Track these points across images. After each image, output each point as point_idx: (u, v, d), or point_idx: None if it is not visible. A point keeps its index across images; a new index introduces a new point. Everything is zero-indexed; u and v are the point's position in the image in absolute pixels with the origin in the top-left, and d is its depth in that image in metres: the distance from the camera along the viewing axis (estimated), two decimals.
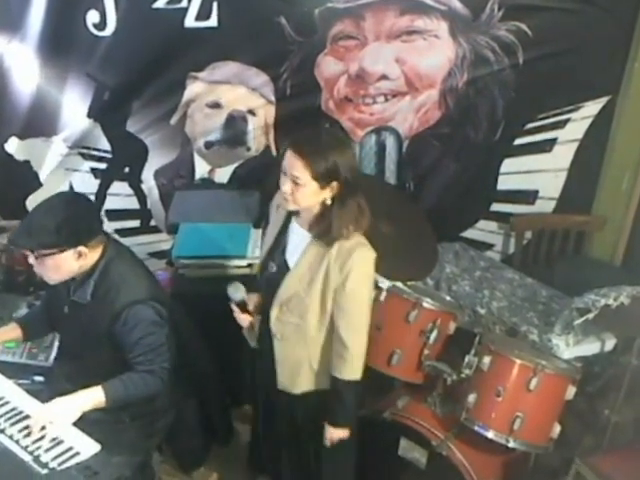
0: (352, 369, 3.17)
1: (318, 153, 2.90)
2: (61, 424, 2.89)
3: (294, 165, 2.91)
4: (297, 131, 4.83)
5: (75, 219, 3.05)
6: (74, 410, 2.94)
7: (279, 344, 3.27)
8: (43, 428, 2.86)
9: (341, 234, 3.01)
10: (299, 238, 3.17)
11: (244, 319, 3.35)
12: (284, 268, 3.19)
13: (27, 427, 2.90)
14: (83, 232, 3.08)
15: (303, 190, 2.95)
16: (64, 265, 3.07)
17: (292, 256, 3.18)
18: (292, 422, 3.44)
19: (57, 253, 3.02)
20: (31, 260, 3.07)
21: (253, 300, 3.38)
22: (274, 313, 3.22)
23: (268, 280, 3.28)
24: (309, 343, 3.23)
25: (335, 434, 3.28)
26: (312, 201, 3.01)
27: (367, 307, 3.17)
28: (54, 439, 2.84)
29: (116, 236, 4.94)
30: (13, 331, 3.51)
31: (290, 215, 3.23)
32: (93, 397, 3.01)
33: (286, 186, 2.96)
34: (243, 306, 3.33)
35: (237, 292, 3.30)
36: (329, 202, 3.02)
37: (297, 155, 2.90)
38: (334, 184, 2.97)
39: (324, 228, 3.03)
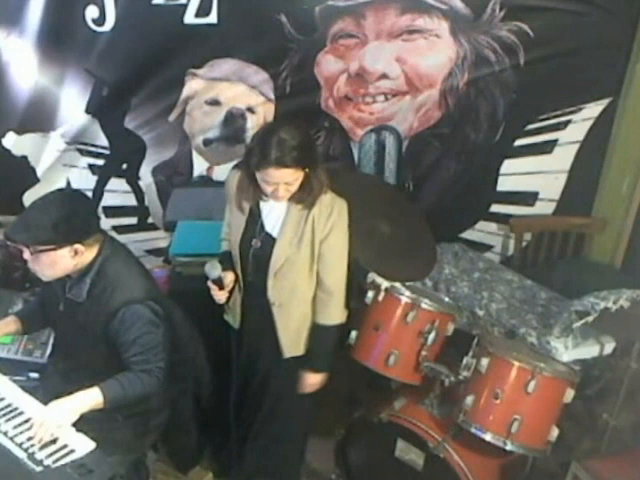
0: (337, 314, 3.45)
1: (297, 152, 3.06)
2: (60, 427, 2.86)
3: (284, 175, 3.10)
4: None
5: (72, 216, 3.02)
6: (73, 413, 2.91)
7: (279, 311, 3.43)
8: (50, 436, 2.84)
9: (319, 194, 3.25)
10: (275, 210, 3.34)
11: (221, 295, 3.45)
12: (269, 240, 3.35)
13: (25, 424, 2.91)
14: (80, 229, 3.06)
15: (296, 183, 3.18)
16: (59, 262, 3.06)
17: (274, 227, 3.35)
18: (276, 393, 3.63)
19: (53, 250, 3.00)
20: (26, 256, 3.05)
21: (228, 278, 3.46)
22: (270, 283, 3.38)
23: (255, 256, 3.40)
24: (305, 301, 3.44)
25: (314, 379, 3.51)
26: (301, 180, 3.20)
27: (346, 252, 3.38)
28: (49, 436, 2.82)
29: (113, 233, 4.99)
30: (13, 324, 3.48)
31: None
32: (91, 398, 2.98)
33: (281, 192, 3.17)
34: (220, 283, 3.42)
35: (214, 270, 3.40)
36: (307, 170, 3.19)
37: (282, 167, 3.07)
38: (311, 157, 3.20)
39: (307, 192, 3.23)
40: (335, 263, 3.36)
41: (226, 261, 3.52)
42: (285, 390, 3.58)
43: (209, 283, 3.44)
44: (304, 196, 3.23)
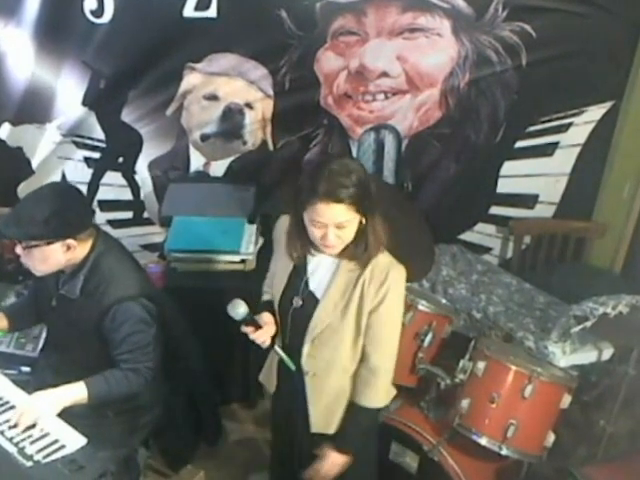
0: (379, 396, 3.02)
1: (351, 188, 2.66)
2: (42, 418, 2.86)
3: (335, 213, 2.68)
4: (295, 126, 4.87)
5: (64, 211, 3.01)
6: (55, 405, 2.91)
7: (312, 382, 3.05)
8: (29, 425, 2.84)
9: (375, 253, 2.84)
10: (323, 266, 2.96)
11: (261, 335, 2.92)
12: (312, 300, 2.96)
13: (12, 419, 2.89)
14: (72, 225, 3.05)
15: (351, 228, 2.76)
16: (51, 257, 3.05)
17: (319, 286, 2.96)
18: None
19: (45, 245, 2.99)
20: (18, 250, 3.05)
21: (264, 318, 3.02)
22: (306, 349, 2.99)
23: (294, 316, 3.00)
24: (344, 375, 3.03)
25: (337, 460, 3.03)
26: (355, 230, 2.80)
27: (399, 329, 2.98)
28: (40, 431, 2.82)
29: (108, 227, 5.06)
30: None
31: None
32: (75, 393, 2.99)
33: (331, 236, 2.73)
34: (252, 322, 2.91)
35: (238, 308, 2.88)
36: (364, 221, 2.79)
37: (334, 202, 2.66)
38: (367, 203, 2.75)
39: (362, 248, 2.82)
40: (384, 339, 2.94)
41: (263, 308, 3.12)
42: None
43: (243, 328, 2.92)
44: (358, 252, 2.82)
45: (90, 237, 3.15)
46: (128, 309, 3.08)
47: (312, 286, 2.96)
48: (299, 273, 2.99)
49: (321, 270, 2.96)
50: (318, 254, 2.92)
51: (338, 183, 2.64)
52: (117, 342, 3.09)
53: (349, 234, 2.76)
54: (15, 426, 2.81)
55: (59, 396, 2.94)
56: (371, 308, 2.88)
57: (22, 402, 2.95)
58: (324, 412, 3.08)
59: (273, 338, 2.99)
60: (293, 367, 2.99)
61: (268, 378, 3.25)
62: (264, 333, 2.93)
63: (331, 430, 3.08)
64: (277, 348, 2.98)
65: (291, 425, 3.22)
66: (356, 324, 2.92)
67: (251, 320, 2.90)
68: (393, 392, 3.13)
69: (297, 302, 2.97)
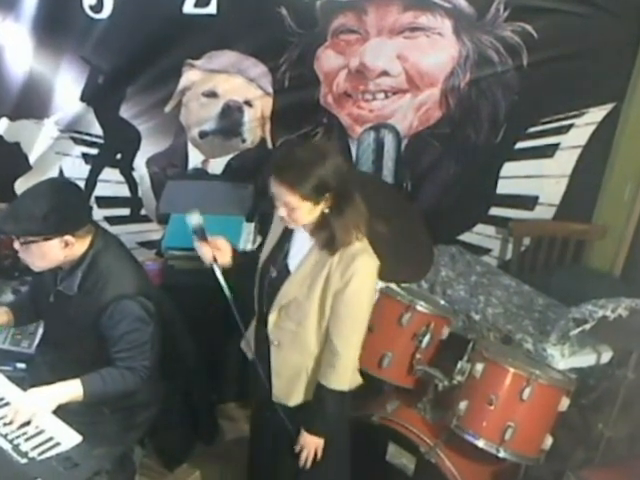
0: (339, 379, 3.08)
1: (300, 175, 2.79)
2: (37, 415, 2.85)
3: (281, 193, 2.83)
4: (294, 124, 4.85)
5: (63, 207, 3.01)
6: (50, 401, 2.91)
7: (276, 351, 3.17)
8: (25, 422, 2.83)
9: (345, 242, 2.91)
10: (302, 242, 3.07)
11: (206, 251, 3.11)
12: (285, 272, 3.09)
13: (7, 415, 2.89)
14: (70, 221, 3.05)
15: (298, 212, 2.86)
16: (49, 253, 3.04)
17: (294, 260, 3.09)
18: (282, 437, 3.32)
19: (43, 241, 2.99)
20: (16, 245, 3.04)
21: (218, 242, 3.18)
22: (272, 318, 3.12)
23: (269, 285, 3.15)
24: (306, 352, 3.13)
25: (309, 441, 3.17)
26: (310, 217, 2.91)
27: (364, 316, 3.06)
28: (35, 428, 2.81)
29: (105, 224, 5.03)
30: (4, 315, 3.46)
31: None
32: (70, 390, 2.99)
33: (281, 211, 2.89)
34: (202, 237, 3.10)
35: (192, 217, 3.10)
36: (327, 211, 2.90)
37: (280, 182, 2.81)
38: (327, 195, 2.86)
39: (327, 238, 2.92)
40: (346, 323, 3.01)
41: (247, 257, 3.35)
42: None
43: (193, 240, 3.12)
44: (325, 240, 2.93)
45: (89, 234, 3.14)
46: (126, 307, 3.08)
47: (289, 259, 3.10)
48: (282, 245, 3.14)
49: (299, 244, 3.08)
50: (299, 230, 3.05)
51: (289, 166, 2.81)
52: (114, 340, 3.08)
53: (300, 217, 2.89)
54: (10, 423, 2.80)
55: (54, 393, 2.93)
56: (335, 291, 2.96)
57: (17, 399, 2.94)
58: (285, 384, 3.20)
59: (215, 259, 3.10)
60: (229, 294, 3.07)
61: (247, 346, 3.36)
62: (209, 250, 3.10)
63: (290, 402, 3.20)
64: (216, 269, 3.08)
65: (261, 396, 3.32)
66: (320, 303, 3.02)
67: (202, 234, 3.10)
68: (358, 380, 3.23)
69: (272, 272, 3.14)
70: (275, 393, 3.21)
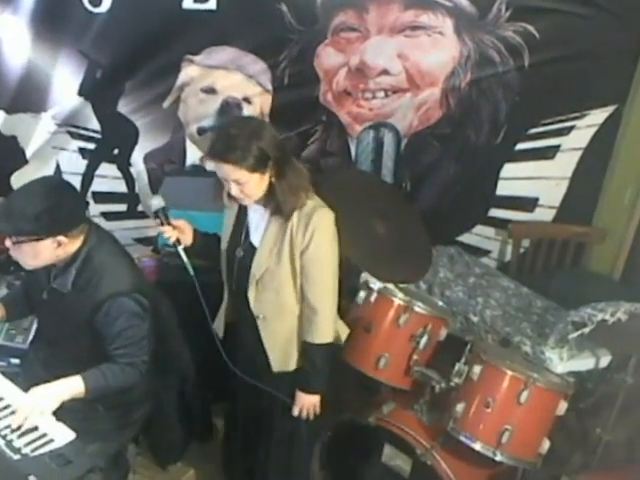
0: (322, 332, 3.28)
1: (242, 150, 2.97)
2: (44, 415, 2.84)
3: (228, 172, 3.01)
4: (293, 122, 4.83)
5: (56, 208, 2.99)
6: (54, 400, 2.89)
7: (263, 324, 3.33)
8: (31, 424, 2.81)
9: (293, 206, 3.12)
10: (258, 216, 3.27)
11: (168, 230, 3.28)
12: (250, 249, 3.27)
13: (4, 410, 2.90)
14: (63, 222, 3.03)
15: (249, 185, 3.05)
16: (42, 253, 3.04)
17: (255, 235, 3.28)
18: (274, 405, 3.49)
19: (35, 241, 2.98)
20: (8, 244, 3.02)
21: (178, 222, 3.35)
22: (252, 294, 3.28)
23: (239, 266, 3.33)
24: (291, 316, 3.32)
25: (306, 400, 3.38)
26: (262, 187, 3.11)
27: (332, 267, 3.25)
28: (29, 424, 2.80)
29: (102, 219, 5.04)
30: None
31: None
32: (73, 387, 2.97)
33: (234, 190, 3.06)
34: (164, 217, 3.28)
35: (154, 199, 3.31)
36: (273, 179, 3.10)
37: (225, 162, 2.99)
38: (269, 164, 3.05)
39: (276, 205, 3.13)
40: (317, 277, 3.23)
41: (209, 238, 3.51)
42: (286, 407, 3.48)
43: (156, 222, 3.33)
44: (275, 208, 3.15)
45: (82, 232, 3.12)
46: (122, 304, 3.07)
47: (251, 237, 3.29)
48: (240, 226, 3.34)
49: (257, 220, 3.28)
50: (254, 207, 3.24)
51: (229, 146, 2.97)
52: (111, 337, 3.07)
53: (252, 190, 3.08)
54: (18, 429, 2.77)
55: (57, 391, 2.92)
56: (301, 250, 3.16)
57: (20, 402, 2.90)
58: (280, 351, 3.38)
59: (178, 240, 3.29)
60: (192, 271, 3.26)
61: (217, 326, 3.55)
62: (171, 230, 3.27)
63: (291, 367, 3.39)
64: (180, 250, 3.27)
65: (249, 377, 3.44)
66: (291, 266, 3.21)
67: (164, 215, 3.28)
68: (345, 330, 3.53)
69: (239, 252, 3.32)
70: (274, 364, 3.38)
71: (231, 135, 3.00)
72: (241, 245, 3.32)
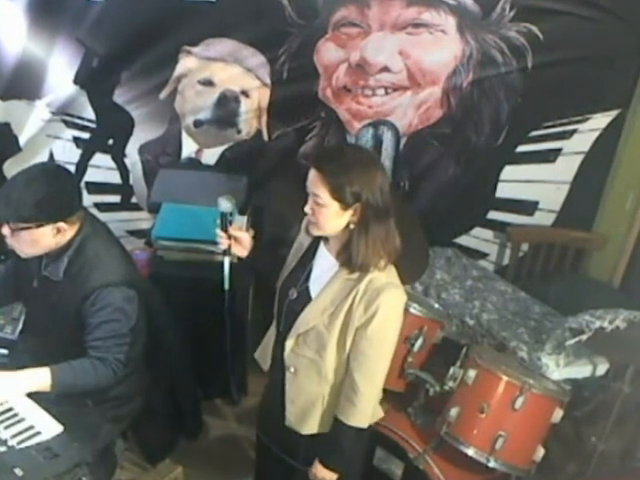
0: (360, 416, 2.92)
1: (338, 169, 2.67)
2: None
3: (315, 182, 2.70)
4: (291, 117, 4.79)
5: (56, 194, 2.98)
6: (14, 390, 2.88)
7: (292, 378, 3.01)
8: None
9: (367, 262, 2.75)
10: (326, 265, 2.91)
11: (224, 239, 3.14)
12: (305, 296, 2.93)
13: None
14: (64, 208, 3.02)
15: (324, 211, 2.72)
16: (41, 240, 3.01)
17: (316, 284, 2.92)
18: (291, 464, 3.20)
19: (35, 227, 2.95)
20: (5, 231, 2.99)
21: (242, 235, 3.18)
22: (289, 344, 2.96)
23: (288, 307, 3.00)
24: (324, 382, 2.97)
25: (322, 474, 2.99)
26: (335, 224, 2.75)
27: (388, 354, 2.91)
28: (15, 416, 2.80)
29: (95, 210, 5.01)
30: None
31: (319, 238, 2.96)
32: (38, 379, 2.93)
33: (309, 205, 2.76)
34: (226, 223, 3.14)
35: (225, 202, 3.19)
36: (353, 226, 2.75)
37: (317, 171, 2.69)
38: (357, 206, 2.71)
39: (348, 256, 2.77)
40: (369, 359, 2.84)
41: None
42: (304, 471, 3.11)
43: (217, 226, 3.17)
44: (345, 258, 2.77)
45: (79, 220, 3.10)
46: (109, 295, 3.03)
47: (310, 282, 2.93)
48: (305, 265, 2.98)
49: (323, 268, 2.91)
50: (325, 253, 2.91)
51: (333, 158, 2.73)
52: (92, 327, 3.03)
53: (324, 218, 2.73)
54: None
55: (20, 381, 2.90)
56: (359, 325, 2.80)
57: None
58: (299, 411, 3.04)
59: (229, 250, 3.17)
60: (227, 285, 3.30)
61: (262, 357, 3.23)
62: (226, 239, 3.14)
63: (303, 430, 3.04)
64: (226, 261, 3.30)
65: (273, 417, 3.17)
66: (341, 335, 2.85)
67: (225, 222, 3.15)
68: (379, 414, 3.12)
69: (292, 293, 2.96)
70: (288, 418, 3.07)
71: (342, 152, 2.81)
72: (297, 287, 2.96)
